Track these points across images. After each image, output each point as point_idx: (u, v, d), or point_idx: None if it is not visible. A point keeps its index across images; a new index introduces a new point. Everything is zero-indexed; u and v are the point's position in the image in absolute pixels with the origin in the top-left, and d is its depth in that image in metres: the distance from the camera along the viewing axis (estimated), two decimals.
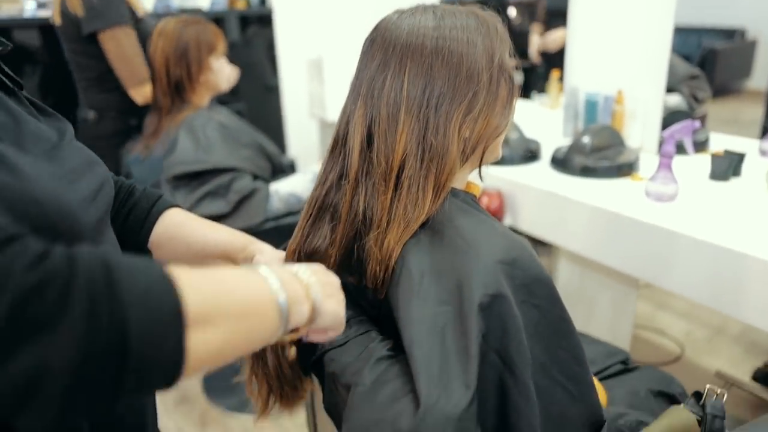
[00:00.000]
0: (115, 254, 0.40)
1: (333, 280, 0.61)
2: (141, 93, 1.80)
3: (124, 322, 0.36)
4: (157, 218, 0.78)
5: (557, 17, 2.37)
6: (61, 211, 0.49)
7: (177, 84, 1.68)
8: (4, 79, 0.57)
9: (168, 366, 0.39)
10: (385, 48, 0.70)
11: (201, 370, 0.43)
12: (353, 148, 0.71)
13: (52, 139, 0.56)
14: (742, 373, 1.91)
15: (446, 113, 0.67)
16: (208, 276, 0.45)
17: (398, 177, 0.68)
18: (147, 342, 0.37)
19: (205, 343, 0.41)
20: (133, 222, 0.77)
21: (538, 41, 2.59)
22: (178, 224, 0.78)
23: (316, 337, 0.62)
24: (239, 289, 0.47)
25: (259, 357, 0.78)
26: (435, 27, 0.69)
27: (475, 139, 0.71)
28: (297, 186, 1.76)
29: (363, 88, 0.71)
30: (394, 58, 0.68)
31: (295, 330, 0.55)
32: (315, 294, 0.54)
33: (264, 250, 0.81)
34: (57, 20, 1.83)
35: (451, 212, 0.70)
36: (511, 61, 0.73)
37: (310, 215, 0.76)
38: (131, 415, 0.63)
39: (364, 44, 0.74)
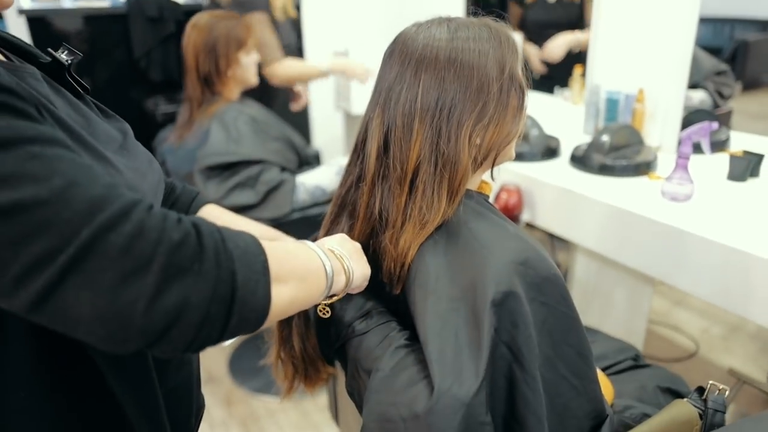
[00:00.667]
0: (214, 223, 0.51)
1: (356, 246, 0.74)
2: (268, 72, 2.03)
3: (234, 272, 0.47)
4: (196, 212, 0.85)
5: (545, 28, 2.37)
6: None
7: (206, 77, 1.74)
8: (74, 84, 0.63)
9: (259, 310, 0.50)
10: (402, 59, 0.74)
11: (276, 319, 0.54)
12: (370, 153, 0.76)
13: (118, 138, 0.64)
14: (758, 371, 1.93)
15: (458, 122, 0.72)
16: (279, 246, 0.56)
17: (413, 181, 0.73)
18: (247, 289, 0.48)
19: (280, 296, 0.52)
20: None
21: (536, 52, 2.59)
22: (215, 218, 0.85)
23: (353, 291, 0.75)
24: (301, 257, 0.60)
25: (285, 341, 0.85)
26: (448, 39, 0.73)
27: (487, 147, 0.75)
28: (323, 178, 1.82)
29: (381, 97, 0.76)
30: (409, 70, 0.73)
31: (331, 296, 0.67)
32: (347, 264, 0.67)
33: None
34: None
35: (466, 215, 0.74)
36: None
37: (332, 213, 0.83)
38: (183, 379, 0.71)
39: (384, 55, 0.79)
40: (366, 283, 0.75)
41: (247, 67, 1.78)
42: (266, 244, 0.52)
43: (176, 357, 0.48)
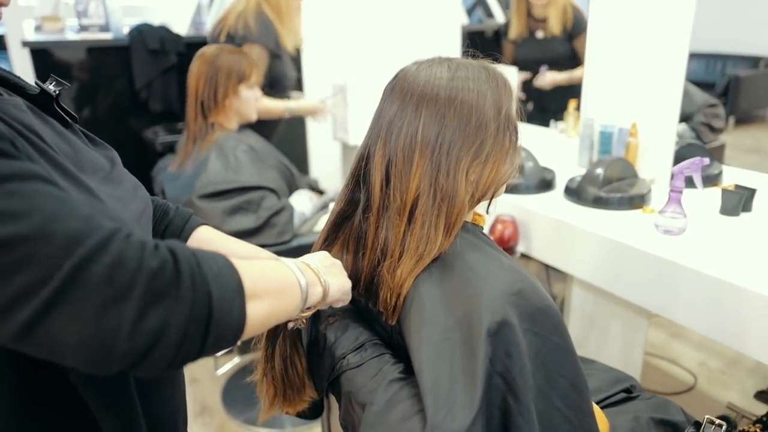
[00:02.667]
0: (190, 247, 0.53)
1: (336, 262, 0.77)
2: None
3: (210, 294, 0.50)
4: (189, 234, 0.86)
5: (536, 64, 2.54)
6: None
7: (202, 104, 1.77)
8: (62, 113, 0.65)
9: (235, 327, 0.52)
10: (403, 95, 0.76)
11: (255, 333, 0.57)
12: (374, 185, 0.78)
13: (105, 166, 0.65)
14: (756, 406, 1.91)
15: (456, 158, 0.74)
16: (252, 265, 0.58)
17: (411, 213, 0.75)
18: (222, 308, 0.50)
19: (255, 313, 0.55)
20: (169, 237, 0.85)
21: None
22: (209, 240, 0.87)
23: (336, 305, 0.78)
24: (275, 274, 0.63)
25: (268, 360, 0.86)
26: (449, 79, 0.75)
27: (484, 185, 0.77)
28: (301, 205, 1.86)
29: (383, 131, 0.78)
30: (411, 106, 0.75)
31: (309, 308, 0.69)
32: (323, 277, 0.69)
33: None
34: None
35: (462, 247, 0.76)
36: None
37: (325, 239, 0.85)
38: (169, 412, 0.72)
39: (385, 90, 0.81)
40: (348, 297, 0.77)
41: (246, 101, 1.81)
42: (239, 264, 0.55)
43: (157, 375, 0.50)
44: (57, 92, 0.64)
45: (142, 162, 2.52)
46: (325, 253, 0.77)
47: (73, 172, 0.55)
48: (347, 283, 0.76)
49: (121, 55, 2.60)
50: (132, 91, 2.64)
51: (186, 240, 0.85)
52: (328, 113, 2.27)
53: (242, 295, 0.53)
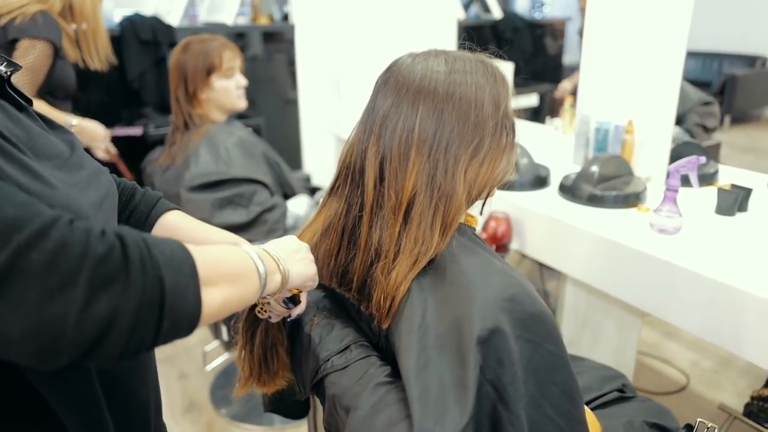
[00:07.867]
0: (140, 231, 0.51)
1: (302, 247, 0.74)
2: None
3: (161, 278, 0.48)
4: (156, 220, 0.82)
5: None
6: (80, 215, 0.55)
7: (177, 99, 1.74)
8: (15, 96, 0.62)
9: (190, 313, 0.50)
10: (398, 89, 0.73)
11: (210, 321, 0.55)
12: (367, 183, 0.75)
13: (64, 151, 0.62)
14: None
15: (455, 156, 0.71)
16: (209, 250, 0.57)
17: (407, 212, 0.72)
18: (176, 293, 0.49)
19: (211, 299, 0.53)
20: (134, 223, 0.82)
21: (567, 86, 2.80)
22: (176, 226, 0.84)
23: (303, 297, 0.78)
24: (232, 260, 0.60)
25: (248, 342, 0.85)
26: (447, 72, 0.72)
27: (481, 183, 0.74)
28: (299, 208, 1.84)
29: (376, 126, 0.74)
30: (406, 100, 0.72)
31: (272, 294, 0.68)
32: (283, 264, 0.67)
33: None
34: None
35: (455, 249, 0.73)
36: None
37: (318, 236, 0.81)
38: (138, 407, 0.69)
39: (377, 83, 0.78)
40: (313, 284, 0.75)
41: (223, 91, 1.74)
42: (194, 249, 0.53)
43: (111, 366, 0.47)
44: (8, 73, 0.61)
45: (133, 154, 2.48)
46: (292, 238, 0.74)
47: (19, 158, 0.53)
48: (311, 270, 0.73)
49: (113, 46, 2.56)
50: (123, 82, 2.60)
51: (152, 226, 0.82)
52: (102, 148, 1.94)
53: (196, 280, 0.51)
